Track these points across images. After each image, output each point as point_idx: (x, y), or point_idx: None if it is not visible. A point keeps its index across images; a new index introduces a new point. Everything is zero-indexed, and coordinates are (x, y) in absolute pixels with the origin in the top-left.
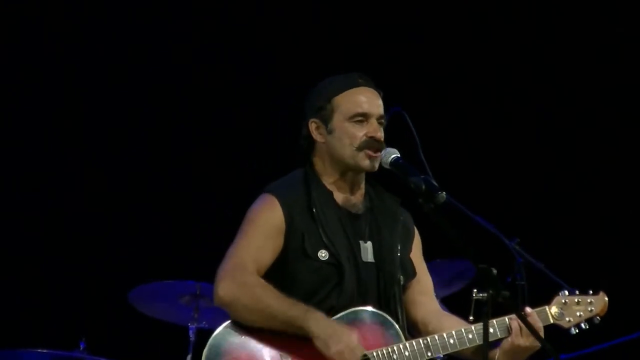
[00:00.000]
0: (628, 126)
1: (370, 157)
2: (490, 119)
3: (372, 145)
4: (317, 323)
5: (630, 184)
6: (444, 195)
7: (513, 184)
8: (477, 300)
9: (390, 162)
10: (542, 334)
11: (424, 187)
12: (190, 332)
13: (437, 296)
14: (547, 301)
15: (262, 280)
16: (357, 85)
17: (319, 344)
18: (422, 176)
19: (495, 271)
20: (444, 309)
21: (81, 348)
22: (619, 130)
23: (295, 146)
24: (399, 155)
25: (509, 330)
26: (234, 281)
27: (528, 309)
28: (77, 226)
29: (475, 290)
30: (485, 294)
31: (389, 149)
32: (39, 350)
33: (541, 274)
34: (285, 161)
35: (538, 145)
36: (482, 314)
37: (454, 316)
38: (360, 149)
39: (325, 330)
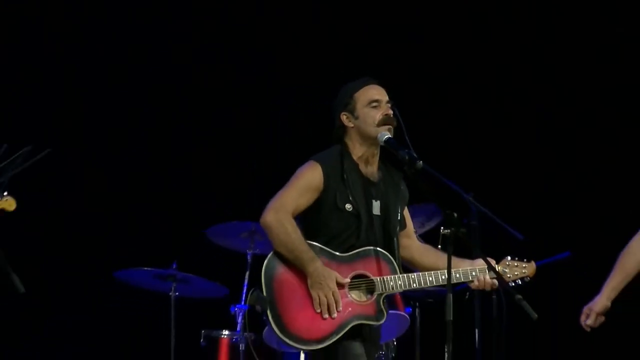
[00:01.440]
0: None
1: (388, 130)
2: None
3: (386, 120)
4: (315, 270)
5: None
6: (421, 164)
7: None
8: (443, 235)
9: (384, 140)
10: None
11: (407, 157)
12: (248, 256)
13: (415, 233)
14: (497, 258)
15: (294, 222)
16: (369, 83)
17: (309, 281)
18: (406, 150)
19: (456, 215)
20: (421, 242)
21: (174, 267)
22: (583, 103)
23: (331, 134)
24: (390, 136)
25: (471, 278)
26: (276, 214)
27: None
28: (180, 184)
29: (442, 228)
30: (449, 231)
31: (383, 132)
32: (145, 268)
33: (489, 218)
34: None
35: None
36: (447, 244)
37: (432, 248)
38: (379, 124)
39: (317, 277)
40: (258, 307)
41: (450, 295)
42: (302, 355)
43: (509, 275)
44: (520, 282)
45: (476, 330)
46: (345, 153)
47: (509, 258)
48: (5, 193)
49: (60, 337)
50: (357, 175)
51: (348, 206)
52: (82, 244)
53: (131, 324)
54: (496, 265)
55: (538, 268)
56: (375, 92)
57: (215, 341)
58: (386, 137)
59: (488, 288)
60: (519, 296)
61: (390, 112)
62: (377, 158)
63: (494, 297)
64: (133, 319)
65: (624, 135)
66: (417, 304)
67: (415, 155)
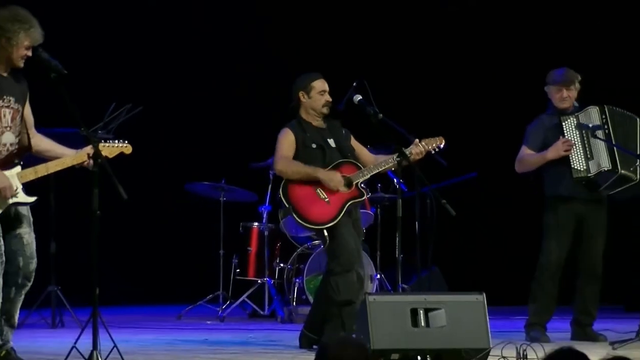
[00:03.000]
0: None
1: (328, 109)
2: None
3: (327, 104)
4: (323, 173)
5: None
6: (381, 116)
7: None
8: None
9: (357, 101)
10: (426, 148)
11: (372, 111)
12: (270, 174)
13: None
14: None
15: (294, 160)
16: (321, 78)
17: (323, 182)
18: (371, 107)
19: (404, 148)
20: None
21: (223, 182)
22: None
23: (290, 104)
24: (361, 97)
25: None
26: (282, 160)
27: (417, 141)
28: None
29: (394, 157)
30: (398, 159)
31: (357, 94)
32: (204, 182)
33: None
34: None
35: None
36: (398, 167)
37: (377, 155)
38: (323, 106)
39: (324, 175)
40: (289, 219)
41: (400, 200)
42: (325, 232)
43: (429, 147)
44: (438, 149)
45: (416, 223)
46: (300, 119)
47: (424, 139)
48: (126, 141)
49: (147, 229)
50: (311, 127)
51: (313, 145)
52: (164, 165)
53: (195, 219)
54: (419, 144)
55: (453, 185)
56: (325, 85)
57: (248, 230)
58: (359, 99)
59: (419, 156)
60: (444, 200)
61: (330, 99)
62: (321, 117)
63: (428, 201)
64: (196, 216)
65: (528, 74)
66: (379, 205)
67: (377, 110)
